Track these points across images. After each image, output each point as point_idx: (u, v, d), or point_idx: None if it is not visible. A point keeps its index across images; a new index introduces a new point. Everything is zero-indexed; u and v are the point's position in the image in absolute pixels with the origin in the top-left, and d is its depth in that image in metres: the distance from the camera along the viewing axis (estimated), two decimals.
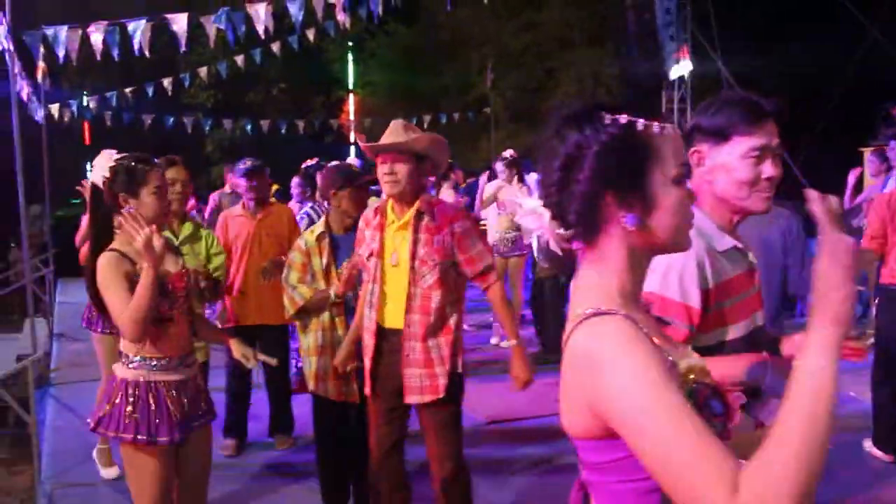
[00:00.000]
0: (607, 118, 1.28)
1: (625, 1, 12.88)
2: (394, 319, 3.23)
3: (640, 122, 1.28)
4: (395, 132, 3.21)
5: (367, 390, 3.33)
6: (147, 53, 7.18)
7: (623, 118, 1.28)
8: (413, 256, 3.18)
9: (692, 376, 1.29)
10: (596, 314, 1.24)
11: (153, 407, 2.78)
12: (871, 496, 4.31)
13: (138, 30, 7.08)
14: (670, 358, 1.26)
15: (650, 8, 12.67)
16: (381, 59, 20.11)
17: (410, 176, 3.18)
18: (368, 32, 19.11)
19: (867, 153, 8.28)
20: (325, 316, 3.72)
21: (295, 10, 7.28)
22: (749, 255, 2.03)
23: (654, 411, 1.13)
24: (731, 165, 1.95)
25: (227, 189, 8.64)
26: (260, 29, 7.36)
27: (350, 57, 19.27)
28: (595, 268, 1.34)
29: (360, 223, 3.44)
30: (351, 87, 19.26)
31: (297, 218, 5.71)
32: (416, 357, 3.19)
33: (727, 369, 1.76)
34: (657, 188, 1.29)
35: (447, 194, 8.81)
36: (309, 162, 7.63)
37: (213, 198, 8.66)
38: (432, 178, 9.27)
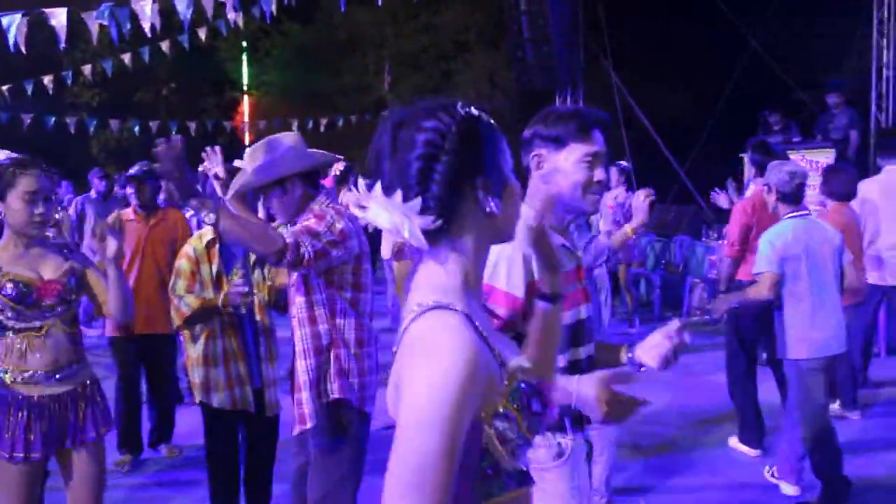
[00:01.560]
0: (460, 108, 1.33)
1: (519, 6, 12.99)
2: None
3: (483, 114, 1.36)
4: (253, 157, 3.09)
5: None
6: (24, 49, 6.78)
7: (473, 109, 1.35)
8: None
9: (520, 375, 1.34)
10: (438, 307, 1.26)
11: (17, 422, 2.61)
12: (735, 492, 4.50)
13: (13, 24, 6.68)
14: (500, 358, 1.31)
15: (543, 13, 12.84)
16: (277, 58, 19.76)
17: (283, 204, 3.07)
18: (263, 31, 18.73)
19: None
20: (215, 324, 3.58)
21: (183, 8, 7.02)
22: (578, 253, 2.28)
23: (420, 431, 1.15)
24: (567, 169, 2.16)
25: (92, 194, 8.34)
26: (146, 26, 7.07)
27: (244, 57, 18.82)
28: (441, 260, 1.33)
29: None
30: (245, 87, 18.81)
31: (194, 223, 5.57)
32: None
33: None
34: (508, 177, 1.37)
35: (349, 197, 8.70)
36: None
37: (77, 202, 8.33)
38: (328, 183, 9.16)
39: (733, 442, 5.12)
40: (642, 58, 14.54)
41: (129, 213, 4.96)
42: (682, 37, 14.55)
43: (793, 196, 4.12)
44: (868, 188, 6.34)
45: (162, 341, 4.88)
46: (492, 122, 1.38)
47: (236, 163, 3.42)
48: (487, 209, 1.32)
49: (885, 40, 11.81)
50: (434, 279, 1.32)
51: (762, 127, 11.21)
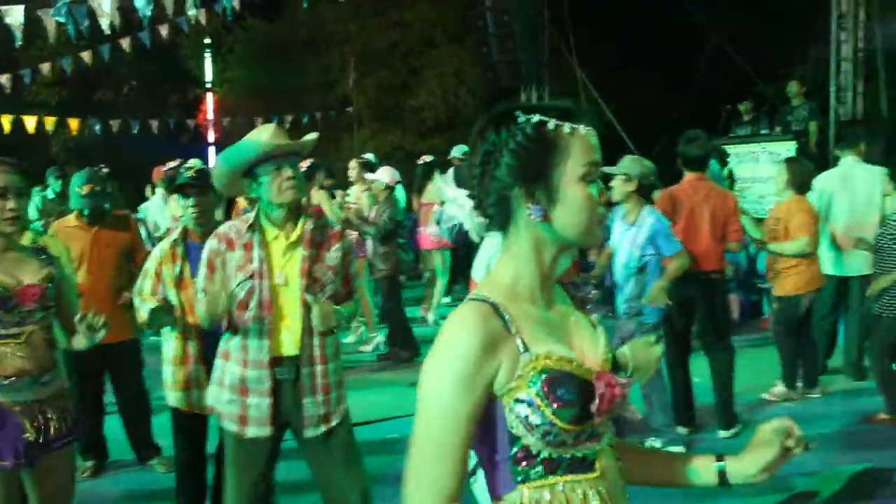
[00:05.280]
0: (521, 118, 1.42)
1: (484, 2, 12.98)
2: (290, 345, 3.01)
3: (552, 122, 1.41)
4: (278, 134, 2.99)
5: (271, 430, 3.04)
6: None
7: (535, 118, 1.41)
8: (307, 274, 2.99)
9: (547, 362, 1.39)
10: (472, 300, 1.42)
11: None
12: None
13: None
14: (525, 344, 1.39)
15: (508, 10, 12.85)
16: (240, 55, 19.55)
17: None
18: (226, 28, 18.52)
19: None
20: (180, 325, 3.53)
21: (142, 5, 6.93)
22: None
23: (431, 404, 1.37)
24: None
25: (49, 193, 8.20)
26: (104, 24, 6.96)
27: (207, 54, 18.59)
28: (500, 259, 1.49)
29: (214, 243, 3.09)
30: (209, 85, 18.59)
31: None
32: (316, 383, 3.02)
33: None
34: (562, 184, 1.42)
35: (318, 196, 8.64)
36: (170, 164, 7.34)
37: (35, 202, 8.17)
38: None
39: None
40: (607, 53, 14.64)
41: (70, 219, 4.79)
42: (646, 32, 14.66)
43: (649, 187, 4.76)
44: (828, 179, 6.44)
45: (121, 349, 4.74)
46: (560, 126, 1.42)
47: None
48: (530, 216, 1.42)
49: (844, 33, 11.98)
50: (490, 276, 1.50)
51: (733, 118, 11.34)
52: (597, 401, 1.39)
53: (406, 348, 7.23)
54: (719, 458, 1.58)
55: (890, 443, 4.99)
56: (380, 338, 7.77)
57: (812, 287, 5.80)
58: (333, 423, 3.07)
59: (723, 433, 5.28)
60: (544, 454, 1.40)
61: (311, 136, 3.15)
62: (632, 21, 14.73)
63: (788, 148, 9.89)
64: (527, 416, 1.38)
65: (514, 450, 1.41)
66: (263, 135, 2.97)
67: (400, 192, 9.70)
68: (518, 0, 12.69)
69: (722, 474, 1.57)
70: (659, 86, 15.37)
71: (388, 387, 6.19)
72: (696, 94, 13.73)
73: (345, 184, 8.93)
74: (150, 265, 3.58)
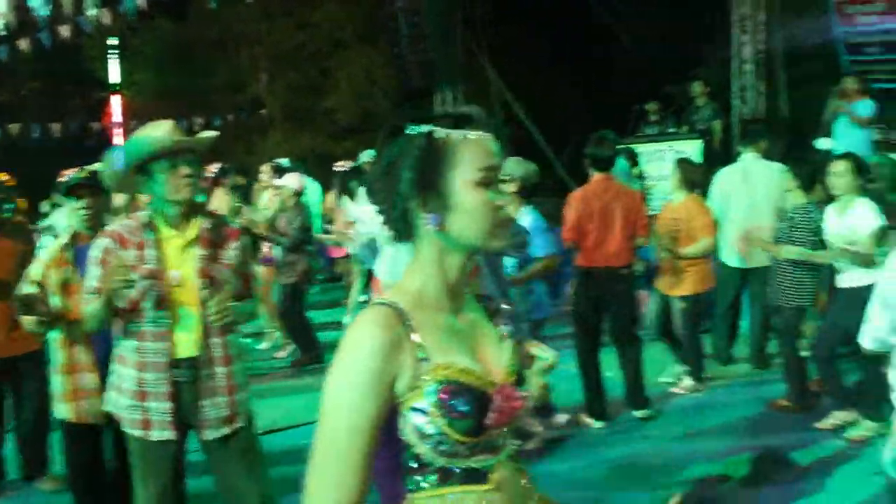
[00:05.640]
0: (411, 130, 1.43)
1: (395, 2, 12.97)
2: (188, 347, 2.92)
3: (441, 132, 1.42)
4: (174, 130, 2.90)
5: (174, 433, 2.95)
6: None
7: (425, 129, 1.42)
8: (205, 274, 2.91)
9: (446, 372, 1.38)
10: (374, 303, 1.43)
11: None
12: (591, 461, 4.80)
13: None
14: (426, 352, 1.38)
15: (419, 10, 12.87)
16: (147, 56, 19.00)
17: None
18: (132, 29, 17.98)
19: None
20: (71, 331, 3.41)
21: (38, 4, 6.66)
22: None
23: (334, 406, 1.35)
24: None
25: None
26: None
27: (113, 55, 18.01)
28: (410, 267, 1.49)
29: (106, 241, 2.97)
30: (115, 87, 18.02)
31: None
32: (217, 385, 2.94)
33: None
34: (455, 191, 1.41)
35: (223, 200, 8.47)
36: (70, 171, 7.05)
37: None
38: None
39: (581, 418, 5.43)
40: (521, 54, 14.79)
41: None
42: (559, 33, 14.89)
43: (531, 188, 4.94)
44: (729, 175, 6.64)
45: (21, 362, 4.52)
46: (451, 134, 1.43)
47: None
48: (426, 225, 1.43)
49: (745, 35, 12.42)
50: (399, 283, 1.49)
51: (642, 118, 11.61)
52: (493, 414, 1.39)
53: (307, 352, 7.13)
54: None
55: (790, 427, 5.18)
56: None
57: (709, 284, 6.12)
58: (237, 424, 3.01)
59: (637, 413, 5.48)
60: (437, 464, 1.39)
61: (209, 133, 3.07)
62: (547, 23, 14.94)
63: (694, 146, 10.20)
64: (421, 426, 1.37)
65: (407, 458, 1.40)
66: (158, 131, 2.88)
67: (314, 195, 9.60)
68: (430, 0, 12.72)
69: None
70: (573, 86, 15.63)
71: (301, 392, 6.12)
72: (609, 95, 14.01)
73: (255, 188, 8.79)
74: (34, 269, 3.44)
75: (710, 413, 5.61)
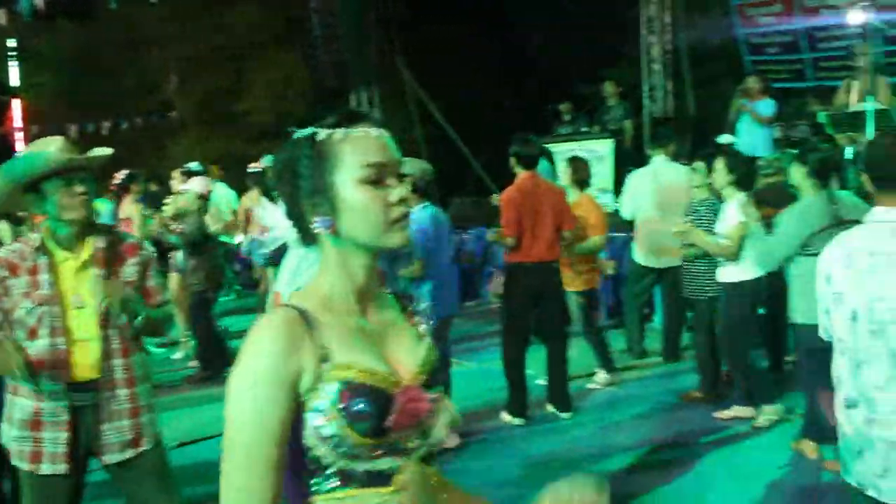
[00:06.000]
0: (296, 134, 1.42)
1: (309, 4, 12.82)
2: (88, 370, 2.79)
3: (322, 132, 1.40)
4: (67, 147, 2.77)
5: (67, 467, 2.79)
6: None
7: (307, 131, 1.41)
8: (103, 295, 2.77)
9: (347, 372, 1.36)
10: (280, 305, 1.42)
11: None
12: (510, 458, 4.87)
13: None
14: (327, 354, 1.36)
15: (333, 11, 12.77)
16: (48, 58, 18.29)
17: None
18: (31, 29, 17.28)
19: None
20: None
21: None
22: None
23: (237, 410, 1.33)
24: None
25: None
26: None
27: (12, 57, 17.29)
28: (318, 270, 1.47)
29: None
30: (14, 90, 17.30)
31: None
32: (118, 408, 2.83)
33: None
34: (341, 191, 1.39)
35: (132, 209, 8.24)
36: None
37: None
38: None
39: (504, 416, 5.49)
40: (436, 54, 14.81)
41: None
42: (475, 33, 14.98)
43: (426, 186, 4.99)
44: (640, 177, 6.81)
45: None
46: (332, 134, 1.41)
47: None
48: (317, 229, 1.41)
49: (653, 36, 12.75)
50: (307, 287, 1.48)
51: (556, 118, 11.77)
52: (394, 415, 1.37)
53: (209, 365, 6.87)
54: None
55: (702, 418, 5.35)
56: None
57: (597, 282, 6.36)
58: (144, 447, 2.91)
59: (563, 415, 5.55)
60: (338, 466, 1.37)
61: (103, 150, 2.93)
62: (463, 23, 15.01)
63: (606, 146, 10.42)
64: (320, 427, 1.35)
65: (308, 460, 1.38)
66: (51, 147, 2.75)
67: (227, 199, 9.42)
68: (344, 1, 12.63)
69: None
70: (489, 87, 15.73)
71: (218, 402, 5.94)
72: (524, 95, 14.17)
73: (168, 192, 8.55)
74: None
75: (624, 407, 5.74)
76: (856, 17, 9.72)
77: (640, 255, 6.69)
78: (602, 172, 10.13)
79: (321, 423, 1.35)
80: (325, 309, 1.42)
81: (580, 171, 6.35)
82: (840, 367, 2.59)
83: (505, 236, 5.43)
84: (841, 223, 4.41)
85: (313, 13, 12.67)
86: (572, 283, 6.08)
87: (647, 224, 6.57)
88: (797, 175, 4.64)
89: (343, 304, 1.45)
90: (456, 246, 10.59)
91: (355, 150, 1.41)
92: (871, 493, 2.47)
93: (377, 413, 1.36)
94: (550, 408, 5.62)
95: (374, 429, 1.36)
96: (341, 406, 1.34)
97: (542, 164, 5.93)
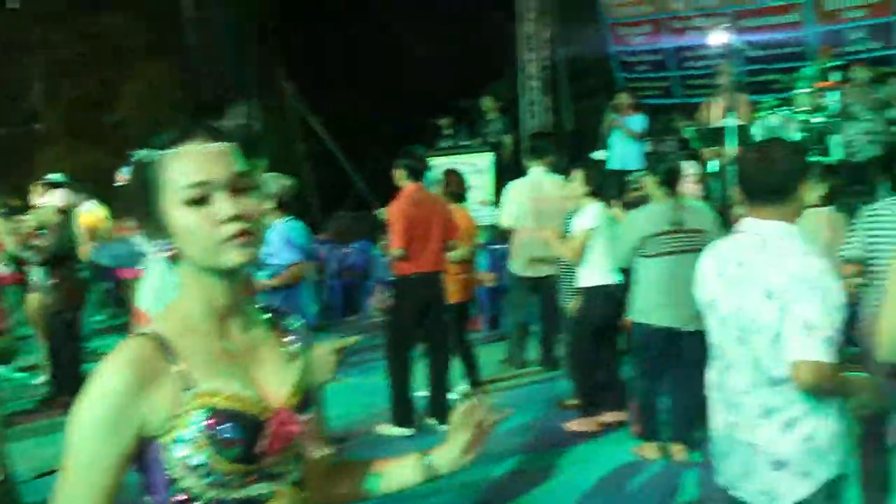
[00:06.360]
0: (135, 156, 1.37)
1: (184, 12, 12.45)
2: None
3: (153, 154, 1.35)
4: None
5: None
6: None
7: (138, 155, 1.36)
8: None
9: (211, 399, 1.32)
10: (133, 335, 1.36)
11: None
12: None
13: None
14: (190, 381, 1.31)
15: (210, 21, 12.46)
16: None
17: None
18: None
19: None
20: None
21: None
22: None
23: (74, 446, 1.29)
24: None
25: None
26: None
27: None
28: (180, 291, 1.42)
29: None
30: None
31: None
32: None
33: None
34: (169, 215, 1.34)
35: None
36: None
37: None
38: None
39: (386, 429, 5.51)
40: (318, 67, 14.66)
41: None
42: (357, 46, 14.92)
43: (290, 202, 4.99)
44: (519, 187, 6.91)
45: None
46: (161, 156, 1.35)
47: None
48: (156, 253, 1.37)
49: (531, 53, 13.05)
50: (168, 308, 1.42)
51: (437, 132, 11.85)
52: (265, 441, 1.34)
53: (61, 391, 6.42)
54: (423, 454, 1.63)
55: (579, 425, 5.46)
56: None
57: (470, 294, 6.44)
58: None
59: (443, 427, 5.49)
60: (208, 496, 1.32)
61: None
62: (345, 36, 14.92)
63: (486, 159, 10.57)
64: (186, 457, 1.30)
65: (173, 493, 1.32)
66: None
67: (94, 213, 9.00)
68: (220, 10, 12.32)
69: (429, 468, 1.63)
70: (371, 101, 15.70)
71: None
72: (406, 110, 14.19)
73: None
74: None
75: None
76: (718, 39, 10.27)
77: (516, 266, 6.79)
78: (482, 185, 10.28)
79: (187, 452, 1.30)
80: (187, 332, 1.37)
81: (452, 184, 6.48)
82: (713, 371, 2.67)
83: (394, 248, 5.43)
84: (680, 230, 4.68)
85: (187, 21, 12.28)
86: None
87: (524, 234, 6.68)
88: (650, 184, 4.95)
89: (205, 327, 1.39)
90: (338, 260, 10.52)
91: (179, 170, 1.34)
92: (735, 493, 2.54)
93: (246, 439, 1.32)
94: (431, 420, 5.62)
95: (244, 455, 1.32)
96: (208, 434, 1.30)
97: (429, 177, 6.00)
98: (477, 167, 10.00)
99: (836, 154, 8.41)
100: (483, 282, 6.96)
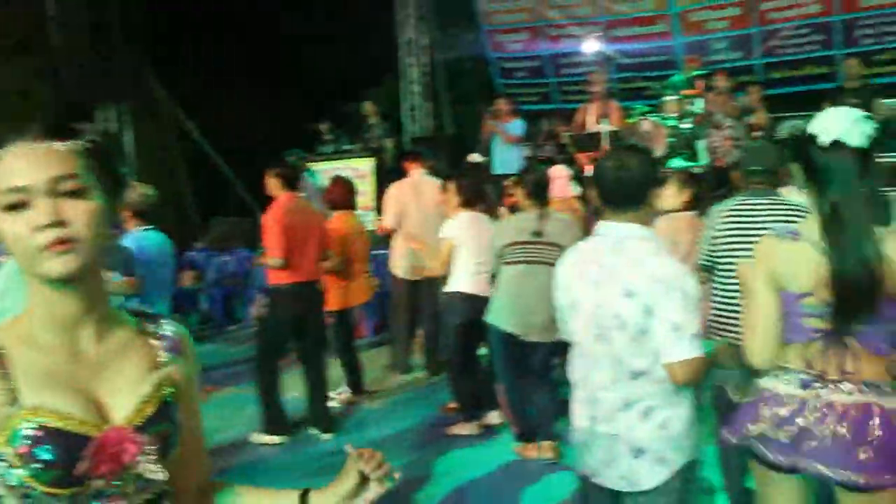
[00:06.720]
0: None
1: (47, 13, 11.84)
2: None
3: None
4: None
5: None
6: None
7: None
8: None
9: (33, 416, 1.23)
10: None
11: None
12: (269, 483, 4.75)
13: None
14: (12, 397, 1.24)
15: (73, 21, 11.88)
16: None
17: None
18: None
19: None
20: None
21: None
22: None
23: None
24: None
25: None
26: None
27: None
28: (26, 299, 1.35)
29: None
30: None
31: None
32: None
33: None
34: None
35: None
36: None
37: None
38: None
39: (258, 437, 5.44)
40: (195, 70, 14.24)
41: None
42: (237, 49, 14.58)
43: (150, 211, 4.89)
44: (401, 188, 6.91)
45: None
46: None
47: None
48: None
49: (411, 58, 13.12)
50: (14, 317, 1.34)
51: (317, 137, 11.72)
52: (86, 462, 1.24)
53: None
54: (303, 493, 1.51)
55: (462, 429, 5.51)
56: None
57: (361, 299, 6.48)
58: None
59: (324, 436, 5.52)
60: None
61: None
62: (222, 36, 14.56)
63: (368, 164, 10.53)
64: (3, 476, 1.22)
65: None
66: None
67: None
68: (83, 11, 11.77)
69: None
70: (251, 103, 15.38)
71: None
72: (287, 113, 13.98)
73: None
74: None
75: (386, 423, 5.78)
76: (591, 47, 10.61)
77: (398, 269, 6.80)
78: (364, 191, 10.24)
79: (4, 471, 1.22)
80: (26, 344, 1.29)
81: (334, 192, 6.43)
82: (575, 369, 2.75)
83: (272, 258, 5.34)
84: (538, 242, 4.80)
85: (50, 21, 11.68)
86: (331, 302, 6.07)
87: (405, 236, 6.68)
88: (518, 195, 5.07)
89: (47, 338, 1.31)
90: (217, 268, 10.25)
91: (1, 172, 1.26)
92: (598, 480, 2.67)
93: (64, 461, 1.23)
94: (312, 430, 5.55)
95: (60, 478, 1.23)
96: (21, 454, 1.21)
97: (315, 182, 5.96)
98: (359, 172, 9.94)
99: (704, 159, 8.83)
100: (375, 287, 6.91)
